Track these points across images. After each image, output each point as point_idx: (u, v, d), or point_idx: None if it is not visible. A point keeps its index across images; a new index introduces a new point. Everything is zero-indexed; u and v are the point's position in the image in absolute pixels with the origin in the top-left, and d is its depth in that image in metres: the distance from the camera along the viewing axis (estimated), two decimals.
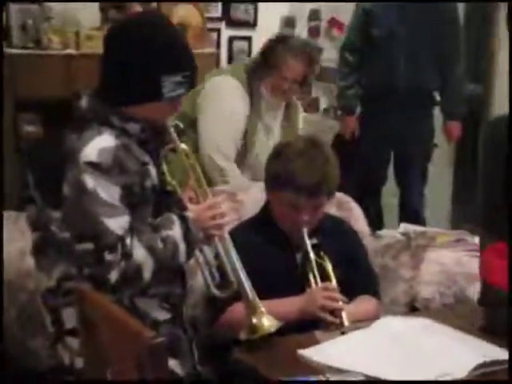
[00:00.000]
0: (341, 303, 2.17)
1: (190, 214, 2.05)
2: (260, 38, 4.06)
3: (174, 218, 2.04)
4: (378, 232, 3.13)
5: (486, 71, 5.21)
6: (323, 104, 5.28)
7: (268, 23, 4.85)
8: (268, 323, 2.02)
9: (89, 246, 1.94)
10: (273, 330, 2.01)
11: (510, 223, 2.14)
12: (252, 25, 4.96)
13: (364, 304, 2.32)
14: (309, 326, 2.13)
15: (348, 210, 2.94)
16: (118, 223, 1.96)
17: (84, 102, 2.06)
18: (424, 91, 4.21)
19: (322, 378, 1.81)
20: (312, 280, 2.24)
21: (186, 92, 2.06)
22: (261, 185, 2.45)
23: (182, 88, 2.04)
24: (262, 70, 3.22)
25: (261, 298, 2.07)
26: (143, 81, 2.00)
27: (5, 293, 2.39)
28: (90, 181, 1.94)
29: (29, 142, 4.00)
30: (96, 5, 4.30)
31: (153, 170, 2.06)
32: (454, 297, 2.76)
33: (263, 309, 2.04)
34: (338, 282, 2.25)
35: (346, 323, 2.13)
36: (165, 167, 2.13)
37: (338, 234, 2.42)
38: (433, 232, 3.16)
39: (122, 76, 2.01)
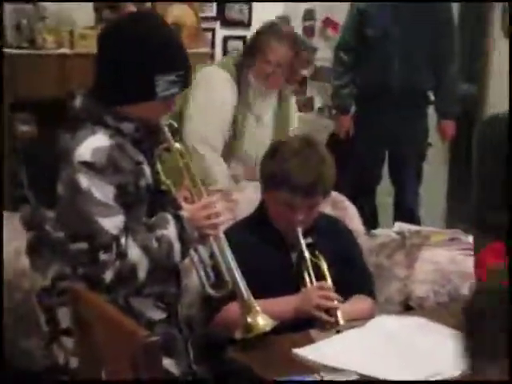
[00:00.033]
0: (336, 302, 2.18)
1: (184, 214, 2.05)
2: None
3: (169, 217, 2.03)
4: (373, 231, 3.14)
5: (480, 71, 5.22)
6: (318, 103, 5.28)
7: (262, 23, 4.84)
8: (263, 322, 2.02)
9: (83, 245, 1.94)
10: (268, 329, 2.01)
11: (510, 223, 2.14)
12: (246, 24, 4.95)
13: (359, 303, 2.32)
14: (304, 325, 2.13)
15: (343, 209, 2.94)
16: (112, 223, 1.95)
17: (78, 102, 2.06)
18: (418, 91, 4.22)
19: (316, 376, 1.81)
20: (307, 279, 2.24)
21: (179, 91, 2.06)
22: (256, 184, 2.45)
23: (176, 87, 2.03)
24: (248, 58, 3.24)
25: (256, 298, 2.07)
26: (137, 80, 2.00)
27: (4, 293, 2.39)
28: (84, 180, 1.94)
29: (23, 142, 3.99)
30: (90, 5, 4.30)
31: (147, 170, 2.06)
32: (448, 295, 2.76)
33: (258, 308, 2.05)
34: (333, 281, 2.25)
35: (341, 322, 2.13)
36: (159, 166, 2.12)
37: (332, 233, 2.42)
38: (427, 231, 3.17)
39: (116, 75, 2.01)
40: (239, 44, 4.91)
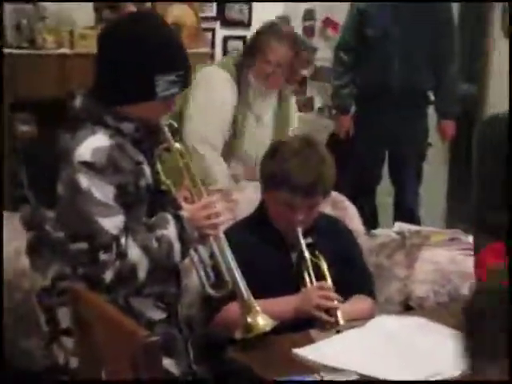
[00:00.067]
0: (336, 302, 2.18)
1: (184, 214, 2.05)
2: None
3: (169, 217, 2.03)
4: (373, 231, 3.14)
5: (480, 71, 5.22)
6: (318, 103, 5.28)
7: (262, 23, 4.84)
8: (263, 322, 2.02)
9: (83, 245, 1.94)
10: (268, 329, 2.01)
11: (510, 223, 2.14)
12: (246, 24, 4.95)
13: (359, 303, 2.32)
14: (304, 325, 2.13)
15: (343, 209, 2.94)
16: (112, 223, 1.95)
17: (78, 102, 2.06)
18: (418, 91, 4.22)
19: (316, 376, 1.81)
20: (307, 279, 2.24)
21: (179, 91, 2.06)
22: (256, 184, 2.45)
23: (176, 87, 2.03)
24: (248, 58, 3.24)
25: (256, 298, 2.07)
26: (137, 80, 2.00)
27: (4, 293, 2.39)
28: (84, 180, 1.94)
29: (23, 142, 3.99)
30: (90, 5, 4.30)
31: (147, 170, 2.06)
32: (448, 295, 2.76)
33: (258, 308, 2.05)
34: (333, 281, 2.25)
35: (341, 322, 2.13)
36: (159, 166, 2.12)
37: (332, 233, 2.42)
38: (427, 231, 3.17)
39: (116, 75, 2.01)
40: (239, 44, 4.91)
